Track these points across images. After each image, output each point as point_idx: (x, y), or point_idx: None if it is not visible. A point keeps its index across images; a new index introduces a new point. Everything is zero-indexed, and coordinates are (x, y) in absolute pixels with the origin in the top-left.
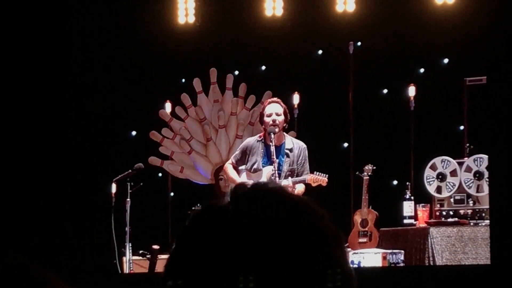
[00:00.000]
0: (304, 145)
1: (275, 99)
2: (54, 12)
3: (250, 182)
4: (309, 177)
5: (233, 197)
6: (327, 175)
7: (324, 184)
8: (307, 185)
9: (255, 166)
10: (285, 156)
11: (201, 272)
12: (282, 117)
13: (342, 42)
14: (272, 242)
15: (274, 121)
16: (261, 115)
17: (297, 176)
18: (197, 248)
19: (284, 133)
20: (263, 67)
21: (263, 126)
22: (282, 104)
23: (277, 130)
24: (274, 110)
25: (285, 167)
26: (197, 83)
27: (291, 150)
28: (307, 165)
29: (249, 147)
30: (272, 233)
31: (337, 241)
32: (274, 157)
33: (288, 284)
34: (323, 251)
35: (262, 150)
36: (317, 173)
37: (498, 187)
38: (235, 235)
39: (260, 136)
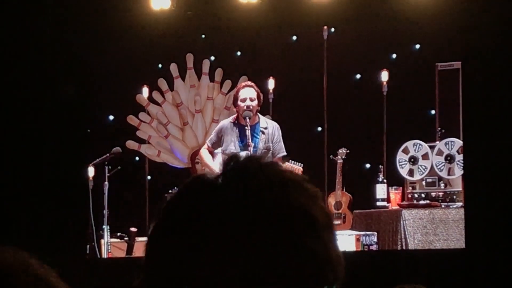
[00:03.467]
0: (277, 125)
1: (249, 83)
2: None
3: (243, 154)
4: (284, 166)
5: (224, 170)
6: (302, 165)
7: (299, 173)
8: None
9: (230, 147)
10: (260, 133)
11: (186, 246)
12: (255, 102)
13: (316, 28)
14: (259, 221)
15: (248, 106)
16: (235, 98)
17: (273, 154)
18: (182, 221)
19: (258, 113)
20: (239, 53)
21: (237, 109)
22: (255, 88)
23: (251, 114)
24: (248, 95)
25: (261, 145)
26: (174, 68)
27: (265, 128)
28: (282, 144)
29: (223, 129)
30: (260, 213)
31: (327, 224)
32: (250, 140)
33: (275, 265)
34: (311, 234)
35: (236, 131)
36: (293, 161)
37: (472, 171)
38: (222, 211)
39: (233, 119)
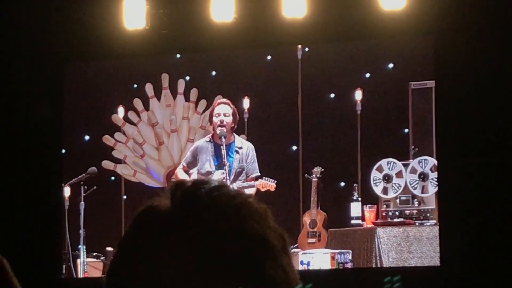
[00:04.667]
0: (252, 145)
1: (224, 100)
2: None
3: (218, 173)
4: (258, 183)
5: (173, 198)
6: (275, 181)
7: (273, 189)
8: (257, 190)
9: (205, 167)
10: (234, 153)
11: (141, 277)
12: (230, 118)
13: (290, 47)
14: (217, 253)
15: (221, 121)
16: (210, 115)
17: (246, 174)
18: (136, 256)
19: (234, 133)
20: (214, 72)
21: (212, 126)
22: (231, 105)
23: (225, 131)
24: (222, 110)
25: (235, 164)
26: (149, 88)
27: (240, 148)
28: (256, 165)
29: (199, 149)
30: (217, 244)
31: (283, 247)
32: (225, 160)
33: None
34: (270, 260)
35: (212, 150)
36: (266, 178)
37: (446, 189)
38: (177, 245)
39: (209, 137)
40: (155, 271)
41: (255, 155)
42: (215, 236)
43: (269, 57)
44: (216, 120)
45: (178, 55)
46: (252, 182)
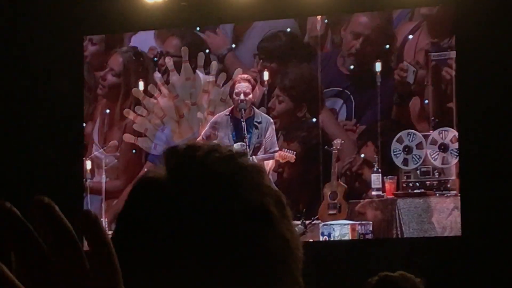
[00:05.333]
0: (271, 120)
1: (244, 76)
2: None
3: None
4: (278, 154)
5: (168, 167)
6: (294, 152)
7: (292, 160)
8: (276, 161)
9: (224, 141)
10: (253, 128)
11: (140, 250)
12: (250, 96)
13: (311, 18)
14: (213, 223)
15: (242, 100)
16: (231, 89)
17: (265, 149)
18: (133, 227)
19: (253, 107)
20: (233, 45)
21: (232, 101)
22: (251, 80)
23: (246, 106)
24: (243, 88)
25: (254, 139)
26: (169, 62)
27: (259, 122)
28: (275, 139)
29: (218, 123)
30: (213, 214)
31: (281, 211)
32: (245, 132)
33: (233, 266)
34: (268, 228)
35: (231, 125)
36: (286, 149)
37: (467, 159)
38: (172, 215)
39: (229, 111)
40: (152, 244)
41: (274, 129)
42: (210, 208)
43: (288, 29)
44: (236, 98)
45: (198, 28)
46: (271, 154)
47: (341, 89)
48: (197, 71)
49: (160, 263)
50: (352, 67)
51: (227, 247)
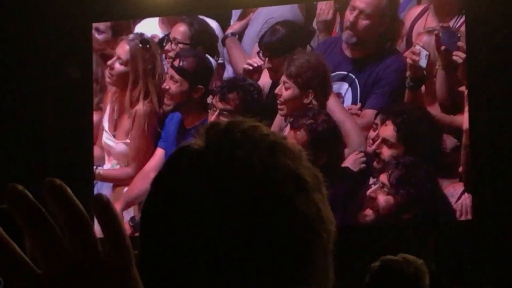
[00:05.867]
0: None
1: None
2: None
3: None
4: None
5: (207, 138)
6: None
7: None
8: None
9: None
10: None
11: (174, 220)
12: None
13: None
14: (248, 187)
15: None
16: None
17: None
18: (169, 194)
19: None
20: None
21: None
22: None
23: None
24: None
25: None
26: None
27: None
28: None
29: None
30: (248, 178)
31: (316, 185)
32: None
33: (267, 229)
34: (302, 195)
35: None
36: None
37: (477, 143)
38: (209, 180)
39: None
40: (185, 211)
41: None
42: (246, 172)
43: (285, 18)
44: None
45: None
46: None
47: (346, 73)
48: (207, 55)
49: (194, 228)
50: (356, 50)
51: (257, 208)
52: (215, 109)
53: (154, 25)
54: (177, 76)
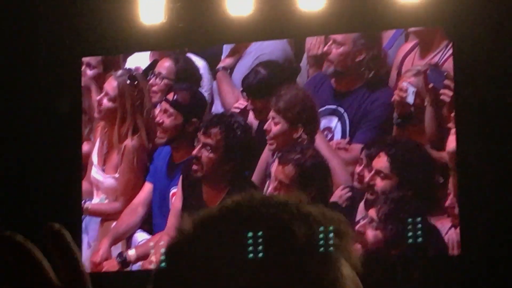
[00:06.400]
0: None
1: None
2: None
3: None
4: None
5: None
6: None
7: None
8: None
9: None
10: None
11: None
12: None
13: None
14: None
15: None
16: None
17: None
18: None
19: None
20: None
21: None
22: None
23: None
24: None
25: None
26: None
27: None
28: None
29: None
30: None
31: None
32: None
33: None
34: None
35: None
36: None
37: (466, 178)
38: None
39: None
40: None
41: None
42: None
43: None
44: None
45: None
46: None
47: (335, 107)
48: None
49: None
50: (341, 82)
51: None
52: (199, 142)
53: (145, 58)
54: (171, 110)
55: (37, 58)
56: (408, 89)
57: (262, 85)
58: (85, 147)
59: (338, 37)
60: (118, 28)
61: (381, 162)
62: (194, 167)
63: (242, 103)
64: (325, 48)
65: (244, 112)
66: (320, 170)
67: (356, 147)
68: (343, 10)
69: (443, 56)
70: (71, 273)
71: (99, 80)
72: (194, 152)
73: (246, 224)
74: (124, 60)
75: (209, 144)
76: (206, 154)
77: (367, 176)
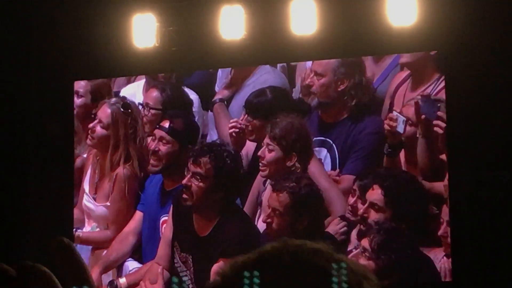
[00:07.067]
0: None
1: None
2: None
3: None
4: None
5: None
6: None
7: None
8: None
9: None
10: None
11: None
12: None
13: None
14: None
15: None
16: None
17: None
18: None
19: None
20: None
21: None
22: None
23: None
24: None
25: None
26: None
27: None
28: None
29: None
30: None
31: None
32: None
33: None
34: None
35: None
36: None
37: (457, 205)
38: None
39: None
40: None
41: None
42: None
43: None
44: None
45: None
46: None
47: (323, 138)
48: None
49: None
50: (328, 113)
51: None
52: (188, 171)
53: (138, 89)
54: (168, 137)
55: (29, 80)
56: (398, 118)
57: (264, 106)
58: (78, 161)
59: (319, 68)
60: (111, 51)
61: (375, 194)
62: (184, 195)
63: (239, 121)
64: (308, 81)
65: (241, 134)
66: (314, 199)
67: (347, 177)
68: (336, 35)
69: (435, 88)
70: (81, 286)
71: (88, 110)
72: (184, 181)
73: (286, 270)
74: (114, 87)
75: (198, 173)
76: (196, 183)
77: (361, 208)
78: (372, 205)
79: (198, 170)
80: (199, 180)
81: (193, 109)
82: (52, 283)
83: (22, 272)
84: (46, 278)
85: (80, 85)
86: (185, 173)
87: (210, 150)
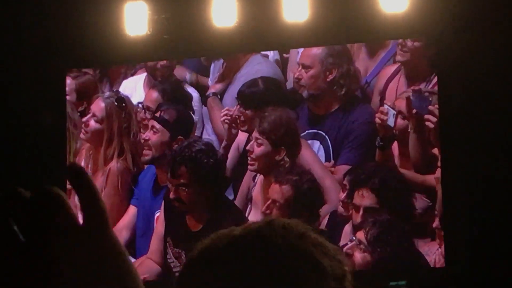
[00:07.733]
0: None
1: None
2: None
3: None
4: None
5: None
6: None
7: None
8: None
9: None
10: None
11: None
12: None
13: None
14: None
15: None
16: None
17: None
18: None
19: None
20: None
21: None
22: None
23: None
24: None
25: None
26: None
27: None
28: None
29: None
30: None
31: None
32: None
33: None
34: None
35: None
36: None
37: (450, 190)
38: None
39: None
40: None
41: None
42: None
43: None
44: None
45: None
46: None
47: (316, 130)
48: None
49: None
50: (319, 105)
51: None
52: (172, 186)
53: (139, 84)
54: (158, 126)
55: (21, 70)
56: (388, 112)
57: (256, 96)
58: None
59: (306, 60)
60: (103, 40)
61: (367, 198)
62: (176, 204)
63: (230, 109)
64: (296, 74)
65: (233, 123)
66: (313, 196)
67: (342, 168)
68: (328, 21)
69: (428, 85)
70: (93, 210)
71: (76, 108)
72: (171, 195)
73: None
74: (102, 84)
75: (181, 184)
76: (183, 194)
77: (355, 215)
78: (367, 210)
79: (181, 181)
80: (185, 190)
81: (193, 104)
82: (68, 208)
83: (37, 195)
84: (62, 202)
85: (66, 84)
86: (169, 186)
87: (183, 160)
